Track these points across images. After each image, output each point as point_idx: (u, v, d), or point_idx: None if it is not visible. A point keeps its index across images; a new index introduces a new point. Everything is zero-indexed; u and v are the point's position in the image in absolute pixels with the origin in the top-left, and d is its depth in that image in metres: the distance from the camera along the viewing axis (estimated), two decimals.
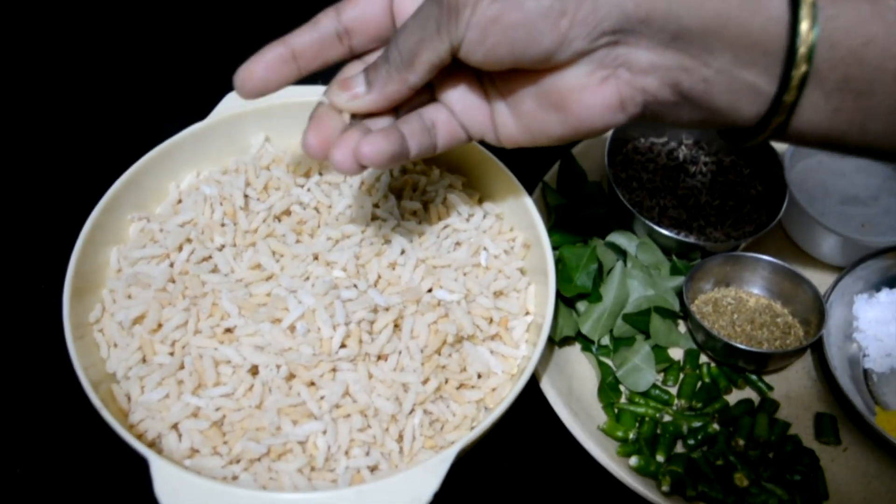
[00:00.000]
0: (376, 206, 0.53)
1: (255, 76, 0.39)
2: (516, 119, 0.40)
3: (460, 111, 0.41)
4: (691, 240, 0.58)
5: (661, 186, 0.62)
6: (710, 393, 0.54)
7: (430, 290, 0.49)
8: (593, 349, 0.56)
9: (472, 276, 0.51)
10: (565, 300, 0.56)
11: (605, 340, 0.56)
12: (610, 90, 0.35)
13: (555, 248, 0.56)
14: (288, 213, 0.53)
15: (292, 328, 0.46)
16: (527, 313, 0.51)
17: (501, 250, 0.52)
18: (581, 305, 0.56)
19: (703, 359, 0.56)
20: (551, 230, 0.57)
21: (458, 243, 0.53)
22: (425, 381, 0.46)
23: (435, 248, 0.51)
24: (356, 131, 0.39)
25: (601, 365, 0.55)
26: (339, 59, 0.42)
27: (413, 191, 0.55)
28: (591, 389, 0.54)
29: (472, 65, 0.36)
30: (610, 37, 0.33)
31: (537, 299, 0.51)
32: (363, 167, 0.38)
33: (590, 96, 0.36)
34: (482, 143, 0.45)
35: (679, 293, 0.57)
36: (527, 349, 0.49)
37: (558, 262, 0.55)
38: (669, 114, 0.36)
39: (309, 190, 0.54)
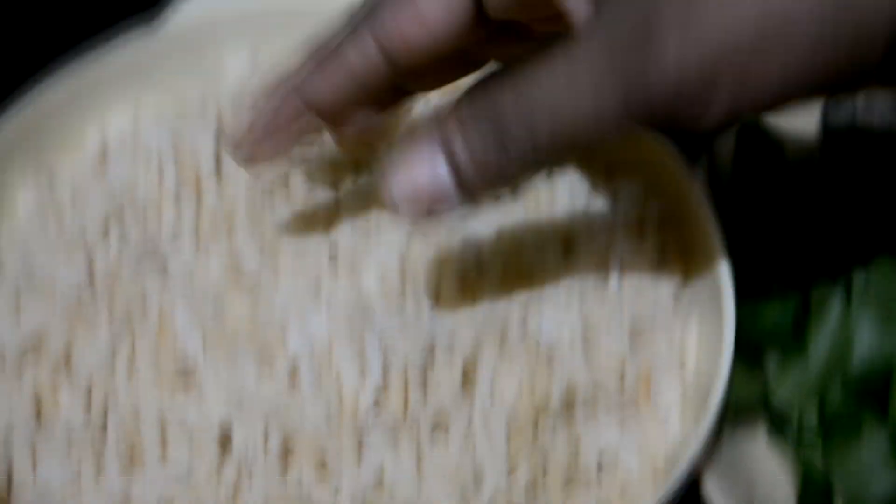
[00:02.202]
0: None
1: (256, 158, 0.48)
2: None
3: None
4: None
5: None
6: None
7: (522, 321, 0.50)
8: (790, 434, 0.55)
9: (594, 300, 0.51)
10: (746, 349, 0.54)
11: (812, 420, 0.55)
12: None
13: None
14: (285, 183, 0.54)
15: (293, 374, 0.47)
16: (682, 367, 0.52)
17: (644, 261, 0.53)
18: (772, 357, 0.55)
19: None
20: (725, 234, 0.56)
21: (568, 245, 0.53)
22: (511, 472, 0.46)
23: (533, 249, 0.52)
24: None
25: (804, 463, 0.54)
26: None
27: None
28: (787, 502, 0.54)
29: None
30: None
31: (701, 345, 0.52)
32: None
33: None
34: None
35: None
36: (681, 427, 0.50)
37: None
38: None
39: (322, 143, 0.54)
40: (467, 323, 0.49)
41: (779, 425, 0.55)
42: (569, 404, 0.48)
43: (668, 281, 0.52)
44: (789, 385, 0.55)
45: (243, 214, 0.52)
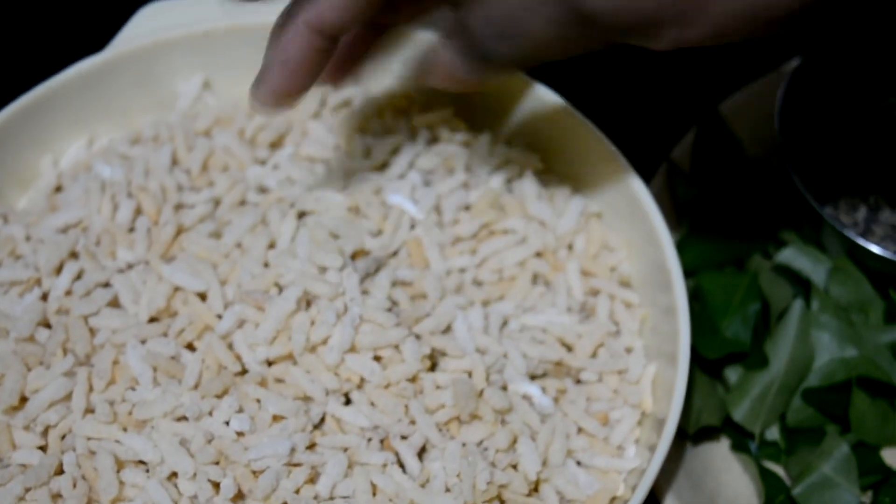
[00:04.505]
0: None
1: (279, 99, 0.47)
2: None
3: None
4: None
5: (872, 171, 0.61)
6: None
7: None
8: (752, 448, 0.56)
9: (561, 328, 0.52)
10: (706, 365, 0.56)
11: (774, 434, 0.56)
12: None
13: (689, 273, 0.55)
14: (241, 202, 0.55)
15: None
16: (640, 404, 0.52)
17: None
18: (732, 373, 0.56)
19: None
20: (683, 244, 0.57)
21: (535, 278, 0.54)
22: None
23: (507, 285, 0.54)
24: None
25: (765, 476, 0.54)
26: None
27: None
28: None
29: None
30: None
31: (658, 378, 0.52)
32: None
33: None
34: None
35: None
36: (638, 456, 0.50)
37: (694, 298, 0.55)
38: None
39: (276, 168, 0.55)
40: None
41: (740, 440, 0.55)
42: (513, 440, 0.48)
43: (629, 322, 0.53)
44: (750, 400, 0.55)
45: (197, 237, 0.51)
